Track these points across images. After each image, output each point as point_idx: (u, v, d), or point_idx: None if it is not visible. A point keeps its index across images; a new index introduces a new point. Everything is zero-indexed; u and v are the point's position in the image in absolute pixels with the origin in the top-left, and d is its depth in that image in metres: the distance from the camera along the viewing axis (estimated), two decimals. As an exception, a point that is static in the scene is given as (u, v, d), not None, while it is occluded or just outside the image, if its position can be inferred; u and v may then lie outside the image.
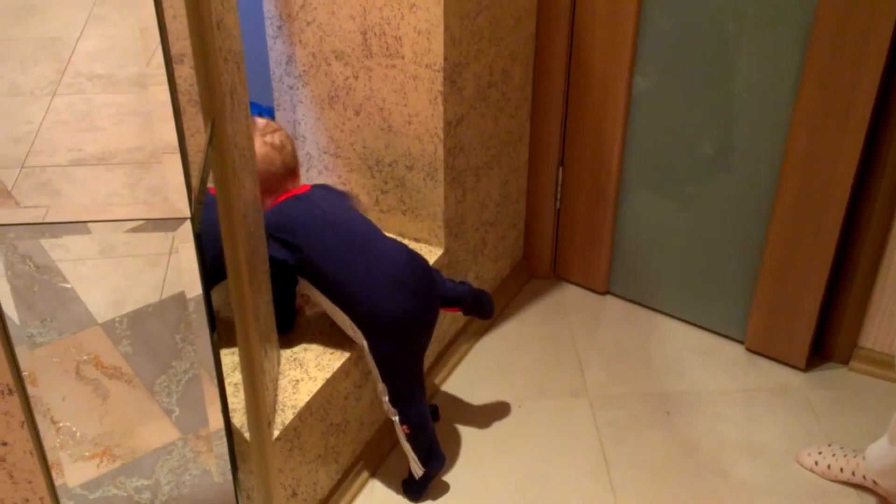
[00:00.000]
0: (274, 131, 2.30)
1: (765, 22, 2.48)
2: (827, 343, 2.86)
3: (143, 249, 1.45)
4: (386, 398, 2.33)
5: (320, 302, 2.30)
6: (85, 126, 1.38)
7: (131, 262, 1.49)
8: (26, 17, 1.33)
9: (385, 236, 2.39)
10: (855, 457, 2.46)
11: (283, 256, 2.22)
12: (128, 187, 1.36)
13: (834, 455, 2.50)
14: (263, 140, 2.25)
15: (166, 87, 1.23)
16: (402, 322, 2.28)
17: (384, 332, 2.26)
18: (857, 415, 2.70)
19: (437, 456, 2.45)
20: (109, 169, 1.36)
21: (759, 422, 2.69)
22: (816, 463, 2.51)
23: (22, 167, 1.34)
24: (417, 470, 2.42)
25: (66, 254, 1.46)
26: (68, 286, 1.48)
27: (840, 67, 2.37)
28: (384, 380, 2.31)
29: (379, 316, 2.25)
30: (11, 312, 1.44)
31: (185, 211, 1.29)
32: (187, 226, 1.31)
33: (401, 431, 2.37)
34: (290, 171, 2.32)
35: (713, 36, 2.57)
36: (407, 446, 2.40)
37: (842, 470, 2.47)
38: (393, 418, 2.36)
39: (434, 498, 2.48)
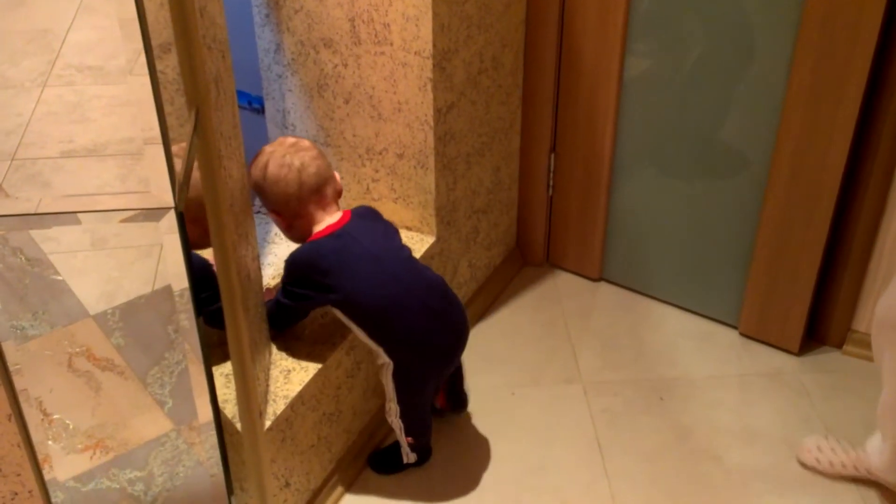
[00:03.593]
0: (298, 151, 2.16)
1: (756, 5, 2.47)
2: (821, 327, 2.87)
3: (134, 241, 1.44)
4: (396, 416, 2.34)
5: (349, 326, 2.26)
6: (75, 117, 1.37)
7: (123, 253, 1.49)
8: (16, 9, 1.32)
9: (423, 266, 2.33)
10: (854, 450, 2.45)
11: (310, 296, 2.18)
12: (119, 178, 1.35)
13: (833, 450, 2.48)
14: (281, 160, 2.14)
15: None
16: (438, 355, 2.29)
17: (419, 362, 2.27)
18: (851, 398, 2.71)
19: (428, 451, 2.51)
20: (101, 160, 1.35)
21: (754, 407, 2.70)
22: (818, 461, 2.48)
23: (12, 159, 1.33)
24: (407, 459, 2.45)
25: (57, 246, 1.45)
26: (60, 278, 1.47)
27: (832, 52, 2.36)
28: (399, 401, 2.31)
29: (420, 351, 2.25)
30: (-2, 305, 1.44)
31: (169, 201, 1.28)
32: (171, 216, 1.29)
33: (404, 441, 2.40)
34: (313, 191, 2.17)
35: (704, 20, 2.57)
36: (405, 443, 2.41)
37: (843, 465, 2.45)
38: (397, 430, 2.38)
39: (428, 487, 2.48)
